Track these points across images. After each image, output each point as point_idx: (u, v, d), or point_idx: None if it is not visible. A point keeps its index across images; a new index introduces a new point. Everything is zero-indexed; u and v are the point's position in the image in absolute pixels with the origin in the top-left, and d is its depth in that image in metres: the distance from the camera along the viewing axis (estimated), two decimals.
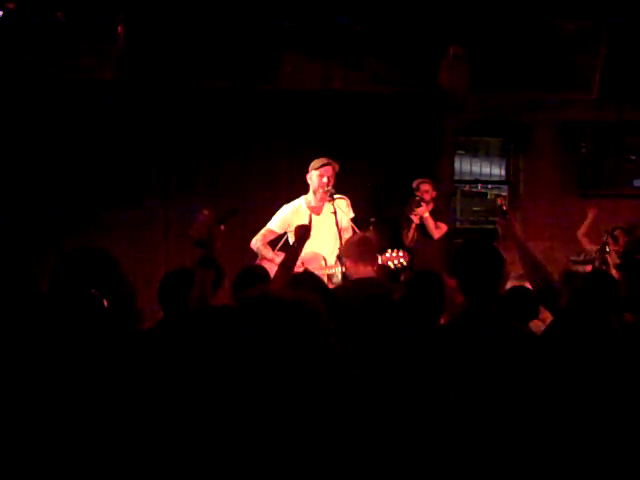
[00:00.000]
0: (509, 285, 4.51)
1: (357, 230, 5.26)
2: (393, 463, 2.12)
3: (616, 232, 6.28)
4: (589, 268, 4.66)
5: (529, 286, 4.00)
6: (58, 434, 2.06)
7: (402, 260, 5.13)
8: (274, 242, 5.53)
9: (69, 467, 2.00)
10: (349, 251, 4.46)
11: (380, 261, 4.97)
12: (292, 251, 4.12)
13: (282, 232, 5.49)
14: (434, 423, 2.40)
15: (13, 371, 2.25)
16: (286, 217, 5.48)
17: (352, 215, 5.56)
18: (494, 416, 2.56)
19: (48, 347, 2.33)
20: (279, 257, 5.34)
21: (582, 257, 4.71)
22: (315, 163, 5.48)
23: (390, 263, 5.09)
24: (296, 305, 1.47)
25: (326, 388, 1.44)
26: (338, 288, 4.74)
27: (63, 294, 2.63)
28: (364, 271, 4.31)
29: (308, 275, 3.81)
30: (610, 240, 6.14)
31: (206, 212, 4.61)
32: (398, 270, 5.19)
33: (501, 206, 3.69)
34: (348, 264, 4.44)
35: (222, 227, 5.49)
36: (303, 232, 4.17)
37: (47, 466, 2.00)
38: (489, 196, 8.60)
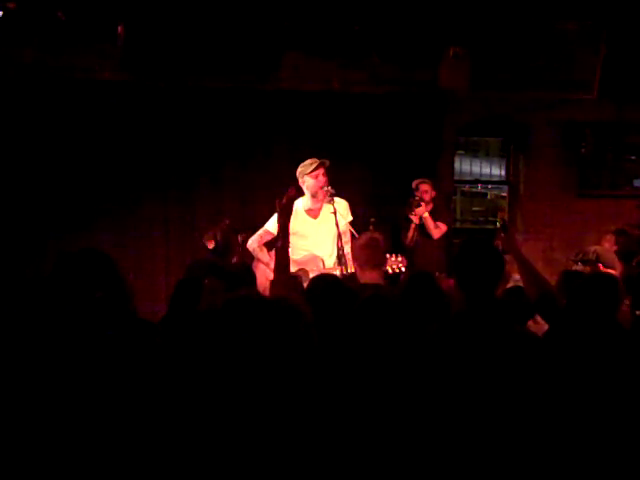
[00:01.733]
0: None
1: (355, 234, 5.24)
2: (387, 462, 2.11)
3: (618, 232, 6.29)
4: (589, 268, 4.65)
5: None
6: (52, 429, 2.07)
7: (400, 265, 5.15)
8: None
9: (65, 463, 2.00)
10: (355, 255, 4.44)
11: None
12: (280, 250, 3.92)
13: None
14: (432, 422, 2.40)
15: (8, 371, 2.25)
16: None
17: (350, 219, 5.55)
18: (492, 416, 2.56)
19: (43, 347, 2.33)
20: (271, 260, 5.35)
21: (580, 256, 4.70)
22: (305, 168, 5.44)
23: (388, 268, 5.09)
24: (277, 306, 1.48)
25: (307, 385, 1.45)
26: None
27: (59, 295, 2.64)
28: (370, 277, 4.29)
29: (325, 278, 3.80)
30: (612, 239, 6.14)
31: (227, 222, 4.52)
32: (396, 275, 5.20)
33: (503, 221, 3.71)
34: (357, 268, 4.43)
35: (240, 238, 5.48)
36: (287, 202, 3.78)
37: (43, 462, 2.00)
38: (489, 196, 8.60)
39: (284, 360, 1.44)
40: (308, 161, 5.45)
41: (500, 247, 3.63)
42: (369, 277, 4.27)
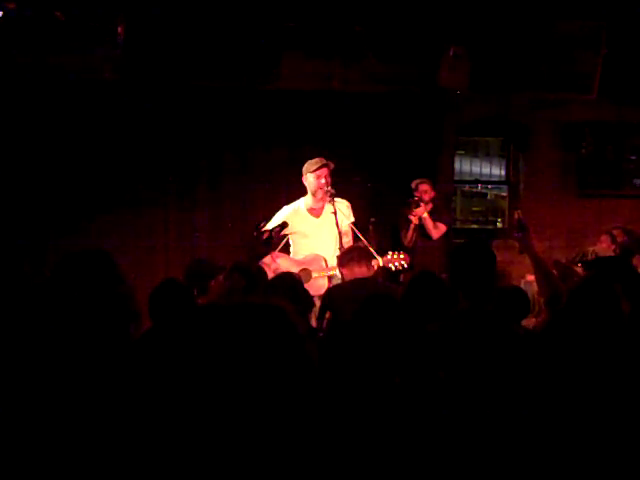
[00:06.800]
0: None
1: (357, 233, 5.28)
2: (385, 462, 2.11)
3: (615, 231, 6.29)
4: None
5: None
6: (47, 431, 2.07)
7: (403, 262, 5.15)
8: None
9: (62, 464, 2.00)
10: (343, 259, 4.57)
11: (381, 263, 5.00)
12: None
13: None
14: (430, 422, 2.40)
15: (8, 372, 2.25)
16: (286, 218, 5.50)
17: (352, 219, 5.58)
18: (489, 415, 2.56)
19: (44, 347, 2.33)
20: (273, 260, 5.37)
21: (579, 257, 4.70)
22: (310, 166, 5.50)
23: (391, 265, 5.11)
24: (276, 312, 1.48)
25: (305, 394, 1.45)
26: (335, 287, 4.80)
27: (60, 296, 2.63)
28: (359, 272, 4.38)
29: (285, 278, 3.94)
30: (608, 239, 6.14)
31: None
32: (399, 272, 5.21)
33: (519, 220, 3.58)
34: (344, 272, 4.52)
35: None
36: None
37: (40, 462, 2.01)
38: (489, 196, 8.60)
39: (272, 367, 1.43)
40: (314, 160, 5.52)
41: (517, 246, 3.59)
42: (358, 272, 4.37)
